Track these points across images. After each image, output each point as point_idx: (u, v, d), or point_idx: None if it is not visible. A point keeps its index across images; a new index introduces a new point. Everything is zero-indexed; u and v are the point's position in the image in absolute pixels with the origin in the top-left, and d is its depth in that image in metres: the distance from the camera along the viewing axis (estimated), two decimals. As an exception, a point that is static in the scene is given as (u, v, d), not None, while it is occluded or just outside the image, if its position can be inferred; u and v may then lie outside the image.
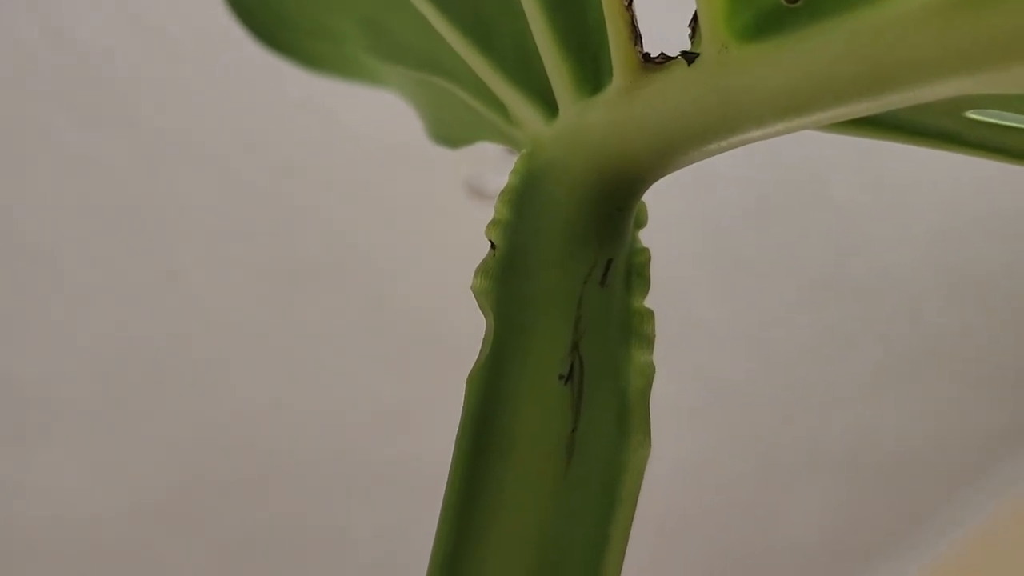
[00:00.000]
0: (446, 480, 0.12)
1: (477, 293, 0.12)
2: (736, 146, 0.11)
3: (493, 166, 0.91)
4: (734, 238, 1.04)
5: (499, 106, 0.14)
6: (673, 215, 1.03)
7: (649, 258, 0.13)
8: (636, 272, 0.13)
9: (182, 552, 1.04)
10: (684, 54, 0.11)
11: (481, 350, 0.12)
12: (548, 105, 0.13)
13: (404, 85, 0.18)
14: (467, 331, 1.07)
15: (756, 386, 1.22)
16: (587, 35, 0.12)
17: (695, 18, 0.11)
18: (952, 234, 1.19)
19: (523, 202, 0.12)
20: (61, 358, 0.84)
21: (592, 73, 0.12)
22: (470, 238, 0.92)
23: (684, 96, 0.11)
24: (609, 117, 0.12)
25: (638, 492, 0.12)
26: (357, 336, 0.97)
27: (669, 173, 0.12)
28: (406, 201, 0.89)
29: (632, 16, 0.11)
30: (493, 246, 0.12)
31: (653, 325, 0.12)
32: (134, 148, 0.74)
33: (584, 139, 0.12)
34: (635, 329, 0.12)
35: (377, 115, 0.82)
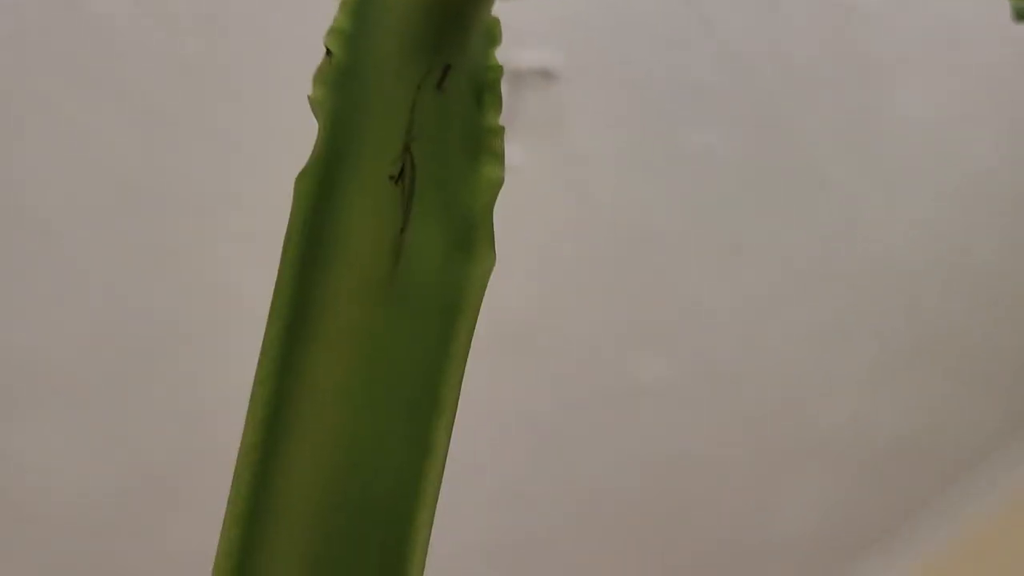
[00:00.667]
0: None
1: (313, 102, 0.12)
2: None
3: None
4: (730, 226, 1.04)
5: None
6: (669, 197, 1.02)
7: (501, 75, 0.12)
8: (488, 88, 0.12)
9: (173, 527, 1.04)
10: None
11: (312, 153, 0.11)
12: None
13: None
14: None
15: (750, 376, 1.21)
16: None
17: None
18: (949, 223, 1.18)
19: (361, 8, 0.12)
20: (56, 329, 0.84)
21: None
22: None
23: None
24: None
25: (479, 304, 0.11)
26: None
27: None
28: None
29: None
30: (329, 53, 0.12)
31: (502, 142, 0.12)
32: (134, 120, 0.75)
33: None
34: (483, 144, 0.12)
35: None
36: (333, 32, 0.12)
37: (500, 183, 0.12)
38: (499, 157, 0.12)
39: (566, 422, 1.28)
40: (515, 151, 0.95)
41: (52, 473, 0.93)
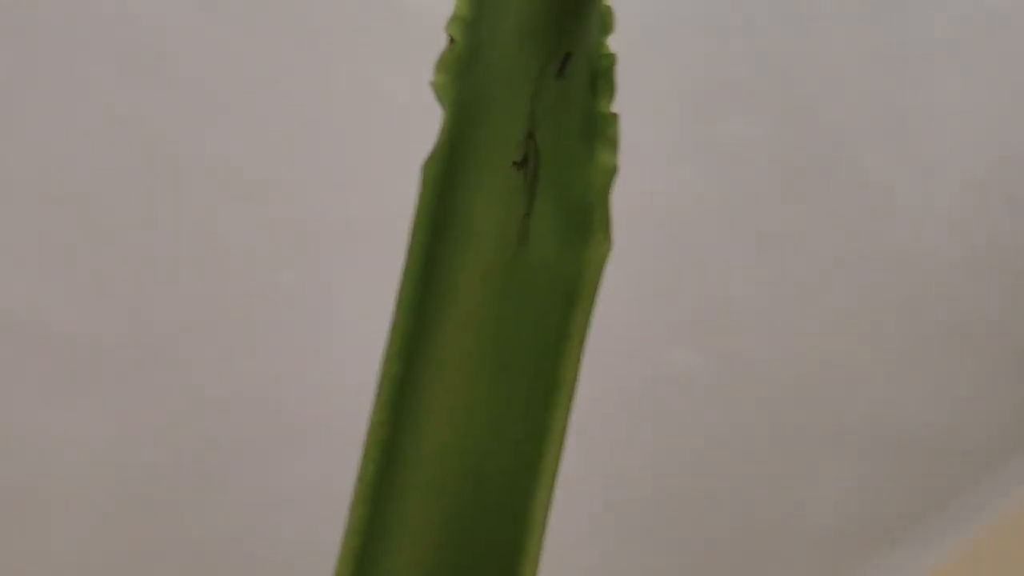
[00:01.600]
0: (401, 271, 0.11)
1: (436, 87, 0.12)
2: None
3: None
4: (758, 211, 1.03)
5: None
6: (699, 190, 1.02)
7: (615, 63, 0.12)
8: (602, 75, 0.12)
9: (210, 507, 1.06)
10: None
11: (436, 140, 0.12)
12: None
13: None
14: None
15: (778, 363, 1.21)
16: None
17: None
18: (979, 212, 1.17)
19: (480, -3, 0.12)
20: (100, 309, 0.86)
21: None
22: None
23: None
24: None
25: (597, 287, 0.12)
26: (385, 302, 0.98)
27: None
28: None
29: None
30: (451, 40, 0.12)
31: (616, 128, 0.12)
32: (175, 103, 0.75)
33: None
34: (599, 130, 0.12)
35: (420, 81, 0.82)
36: (455, 20, 0.12)
37: (615, 169, 0.12)
38: (614, 143, 0.12)
39: (593, 412, 1.28)
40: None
41: (94, 452, 0.94)
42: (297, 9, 0.74)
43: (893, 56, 0.91)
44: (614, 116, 0.12)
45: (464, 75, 0.12)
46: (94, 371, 0.90)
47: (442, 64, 0.12)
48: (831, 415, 1.28)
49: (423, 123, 0.71)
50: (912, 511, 1.44)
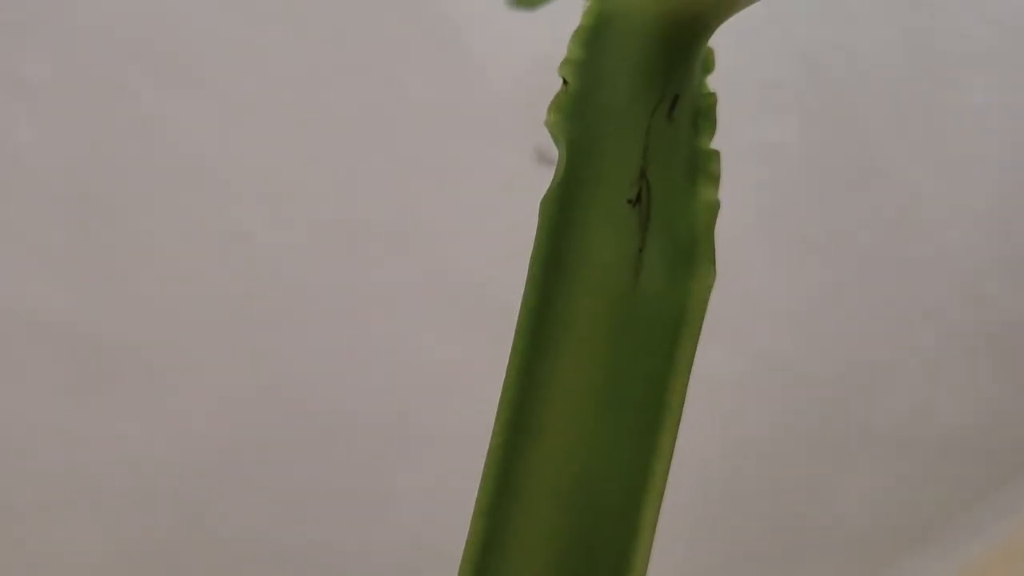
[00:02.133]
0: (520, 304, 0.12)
1: (550, 126, 0.12)
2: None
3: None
4: (791, 214, 1.03)
5: None
6: (731, 191, 1.02)
7: (716, 101, 0.13)
8: (703, 114, 0.13)
9: (237, 505, 1.07)
10: None
11: (553, 178, 0.12)
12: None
13: None
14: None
15: (809, 363, 1.21)
16: None
17: None
18: (1011, 212, 1.16)
19: (595, 40, 0.12)
20: (127, 309, 0.87)
21: None
22: (532, 207, 0.92)
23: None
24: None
25: (703, 317, 0.12)
26: (416, 300, 0.99)
27: (733, 15, 0.12)
28: (471, 168, 0.90)
29: None
30: (565, 82, 0.12)
31: (719, 165, 0.13)
32: (205, 109, 0.77)
33: (655, -22, 0.12)
34: (702, 167, 0.13)
35: (444, 82, 0.83)
36: (568, 62, 0.12)
37: (718, 205, 0.13)
38: (716, 180, 0.13)
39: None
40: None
41: (122, 449, 0.96)
42: (323, 11, 0.75)
43: (926, 60, 0.91)
44: (716, 153, 0.13)
45: (578, 116, 0.12)
46: (121, 370, 0.91)
47: (557, 105, 0.12)
48: (864, 416, 1.28)
49: (445, 125, 0.72)
50: (944, 511, 1.43)
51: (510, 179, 0.93)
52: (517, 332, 0.12)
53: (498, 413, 0.12)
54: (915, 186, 1.14)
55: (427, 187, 0.90)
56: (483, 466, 0.12)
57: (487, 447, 0.12)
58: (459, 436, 1.15)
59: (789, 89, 0.90)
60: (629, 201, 0.12)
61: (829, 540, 1.41)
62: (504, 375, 0.12)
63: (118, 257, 0.82)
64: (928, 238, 1.19)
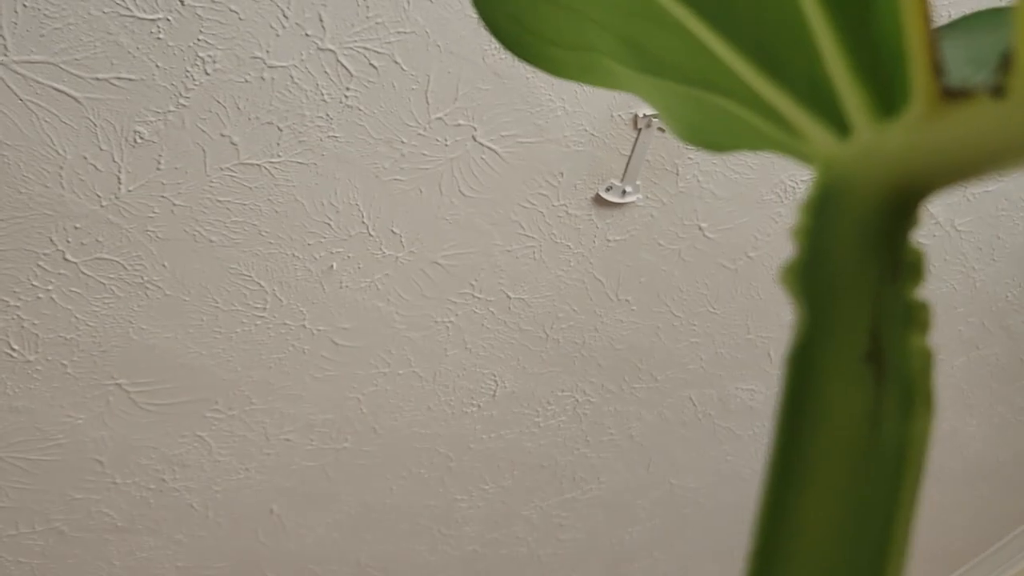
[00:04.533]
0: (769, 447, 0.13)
1: (786, 284, 0.14)
2: (1021, 168, 0.13)
3: (624, 181, 0.92)
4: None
5: (781, 122, 0.15)
6: (771, 234, 1.03)
7: (923, 257, 0.14)
8: (914, 268, 0.14)
9: (308, 521, 1.09)
10: (992, 88, 0.12)
11: (795, 334, 0.13)
12: (838, 125, 0.14)
13: (655, 93, 0.19)
14: (591, 337, 1.09)
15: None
16: (881, 63, 0.14)
17: (1005, 53, 0.12)
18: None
19: (822, 211, 0.14)
20: (221, 343, 0.89)
21: (888, 99, 0.13)
22: (592, 247, 0.94)
23: (987, 127, 0.12)
24: (908, 141, 0.13)
25: (925, 455, 0.13)
26: (486, 336, 1.00)
27: (953, 185, 0.13)
28: (535, 212, 0.92)
29: (936, 48, 0.13)
30: (799, 247, 0.14)
31: (930, 314, 0.14)
32: (299, 158, 0.79)
33: (882, 158, 0.13)
34: (917, 319, 0.14)
35: (516, 136, 0.85)
36: (800, 230, 0.14)
37: (932, 353, 0.14)
38: (927, 329, 0.14)
39: (666, 438, 1.29)
40: (635, 190, 0.96)
41: (211, 473, 0.98)
42: (410, 74, 0.77)
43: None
44: (927, 306, 0.14)
45: (810, 278, 0.13)
46: (210, 399, 0.93)
47: (791, 267, 0.14)
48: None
49: (517, 176, 0.74)
50: (976, 538, 1.41)
51: (572, 221, 0.94)
52: (767, 472, 0.13)
53: (751, 543, 0.13)
54: (950, 224, 1.14)
55: (498, 230, 0.92)
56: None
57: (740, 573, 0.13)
58: (515, 459, 1.15)
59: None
60: (864, 357, 0.13)
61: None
62: (757, 508, 0.13)
63: (215, 292, 0.85)
64: (960, 273, 1.19)
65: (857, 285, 0.13)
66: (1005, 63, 0.12)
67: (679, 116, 0.19)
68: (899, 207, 0.14)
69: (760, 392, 1.19)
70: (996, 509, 1.43)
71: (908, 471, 0.13)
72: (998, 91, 0.12)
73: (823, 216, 0.14)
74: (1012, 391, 1.35)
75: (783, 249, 1.01)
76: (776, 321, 1.13)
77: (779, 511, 0.13)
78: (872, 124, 0.14)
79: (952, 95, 0.13)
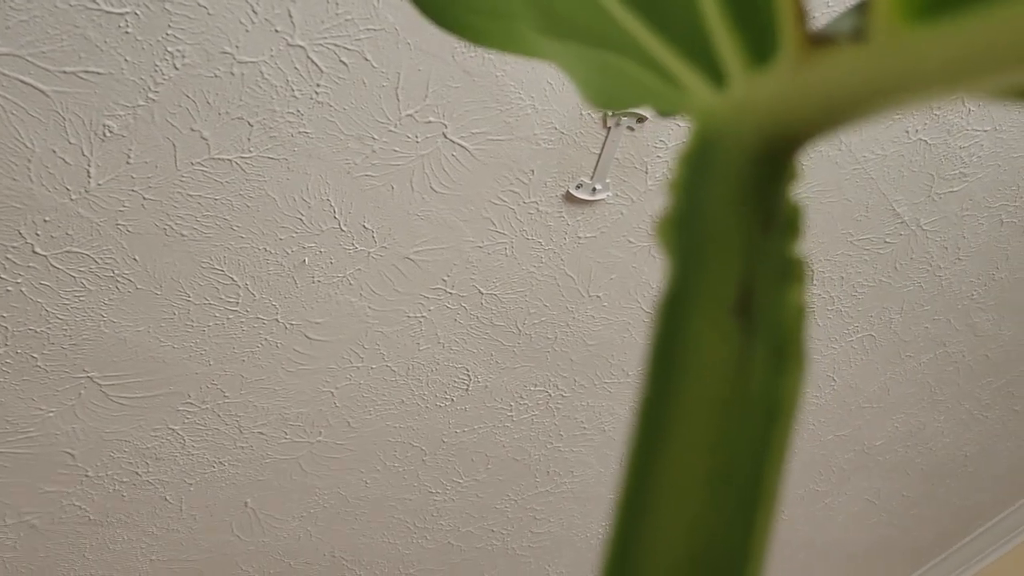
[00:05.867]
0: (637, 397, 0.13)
1: (659, 238, 0.13)
2: (893, 113, 0.13)
3: (594, 179, 0.92)
4: (802, 249, 1.04)
5: (668, 77, 0.15)
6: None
7: (802, 211, 0.14)
8: (791, 223, 0.14)
9: (283, 515, 1.08)
10: (853, 34, 0.12)
11: (665, 286, 0.13)
12: (716, 76, 0.14)
13: (565, 58, 0.19)
14: (563, 333, 1.08)
15: (815, 390, 1.21)
16: (755, 15, 0.13)
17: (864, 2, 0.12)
18: (1010, 250, 1.16)
19: (697, 162, 0.13)
20: (193, 336, 0.88)
21: (759, 48, 0.13)
22: (565, 246, 0.93)
23: (851, 72, 0.12)
24: (778, 89, 0.13)
25: (795, 409, 0.13)
26: (459, 330, 1.00)
27: (828, 138, 0.13)
28: (507, 209, 0.91)
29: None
30: (672, 199, 0.13)
31: (806, 269, 0.14)
32: (269, 153, 0.78)
33: (754, 107, 0.13)
34: (792, 272, 0.13)
35: (487, 133, 0.84)
36: (675, 184, 0.13)
37: (806, 308, 0.13)
38: (804, 284, 0.13)
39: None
40: (605, 188, 0.96)
41: (184, 467, 0.97)
42: (380, 71, 0.76)
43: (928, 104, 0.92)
44: (803, 260, 0.14)
45: (684, 230, 0.13)
46: (183, 393, 0.92)
47: (665, 220, 0.13)
48: (861, 439, 1.27)
49: (488, 173, 0.73)
50: (940, 535, 1.42)
51: (543, 218, 0.94)
52: (634, 423, 0.13)
53: (616, 497, 0.13)
54: (916, 223, 1.14)
55: (470, 226, 0.91)
56: (602, 544, 0.13)
57: (608, 509, 0.13)
58: (487, 456, 1.15)
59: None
60: (733, 309, 0.13)
61: (824, 560, 1.39)
62: (624, 459, 0.13)
63: (184, 286, 0.84)
64: (928, 271, 1.19)
65: (729, 237, 0.13)
66: (863, 7, 0.12)
67: (586, 79, 0.19)
68: (773, 157, 0.13)
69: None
70: (963, 505, 1.44)
71: (778, 425, 0.13)
72: (859, 36, 0.12)
73: (698, 168, 0.13)
74: (978, 387, 1.36)
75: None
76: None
77: (646, 461, 0.13)
78: (746, 74, 0.13)
79: (818, 42, 0.12)
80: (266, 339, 0.91)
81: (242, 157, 0.78)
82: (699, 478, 0.13)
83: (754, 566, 0.13)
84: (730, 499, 0.13)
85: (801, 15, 0.12)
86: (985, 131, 0.98)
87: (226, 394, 0.94)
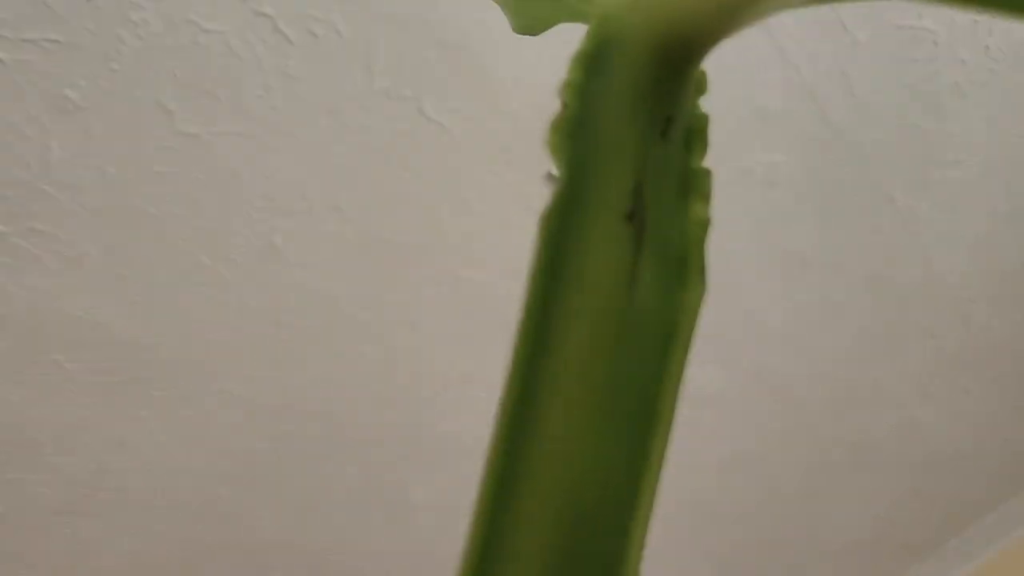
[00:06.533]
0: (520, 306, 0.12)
1: (550, 146, 0.13)
2: (787, 8, 0.12)
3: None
4: (788, 236, 1.03)
5: None
6: (730, 213, 1.02)
7: (708, 122, 0.13)
8: (696, 134, 0.13)
9: (254, 507, 1.07)
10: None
11: (552, 195, 0.12)
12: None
13: None
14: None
15: (807, 383, 1.20)
16: None
17: None
18: (1003, 241, 1.16)
19: (593, 64, 0.13)
20: (161, 320, 0.87)
21: None
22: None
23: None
24: (674, -19, 0.12)
25: (694, 326, 0.12)
26: (434, 314, 0.99)
27: (725, 38, 0.12)
28: (487, 189, 0.90)
29: None
30: (565, 104, 0.13)
31: (710, 183, 0.13)
32: (237, 128, 0.77)
33: (647, 6, 0.12)
34: (694, 185, 0.13)
35: (465, 108, 0.83)
36: (567, 85, 0.13)
37: (710, 222, 0.13)
38: (708, 198, 0.13)
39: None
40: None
41: (150, 454, 0.96)
42: (353, 43, 0.75)
43: (924, 90, 0.91)
44: (708, 172, 0.13)
45: (576, 136, 0.12)
46: (153, 377, 0.91)
47: (556, 126, 0.13)
48: (856, 434, 1.27)
49: (466, 150, 0.73)
50: (934, 528, 1.41)
51: (525, 199, 0.93)
52: (516, 340, 0.12)
53: (497, 419, 0.12)
54: (910, 212, 1.13)
55: (448, 206, 0.91)
56: (482, 471, 0.12)
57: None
58: (463, 446, 1.14)
59: (791, 117, 0.90)
60: (624, 218, 0.12)
61: (820, 555, 1.39)
62: (504, 383, 0.12)
63: (153, 268, 0.83)
64: (922, 262, 1.19)
65: (623, 141, 0.12)
66: None
67: (515, 7, 0.18)
68: (672, 61, 0.13)
69: (716, 379, 1.18)
70: (956, 499, 1.44)
71: (674, 346, 0.12)
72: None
73: (592, 69, 0.13)
74: (971, 380, 1.35)
75: (733, 229, 1.00)
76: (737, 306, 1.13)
77: (529, 377, 0.12)
78: (644, -30, 0.13)
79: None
80: (236, 323, 0.90)
81: (209, 131, 0.77)
82: (587, 402, 0.12)
83: (644, 497, 0.12)
84: (620, 426, 0.12)
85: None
86: (981, 118, 0.98)
87: (195, 381, 0.93)
